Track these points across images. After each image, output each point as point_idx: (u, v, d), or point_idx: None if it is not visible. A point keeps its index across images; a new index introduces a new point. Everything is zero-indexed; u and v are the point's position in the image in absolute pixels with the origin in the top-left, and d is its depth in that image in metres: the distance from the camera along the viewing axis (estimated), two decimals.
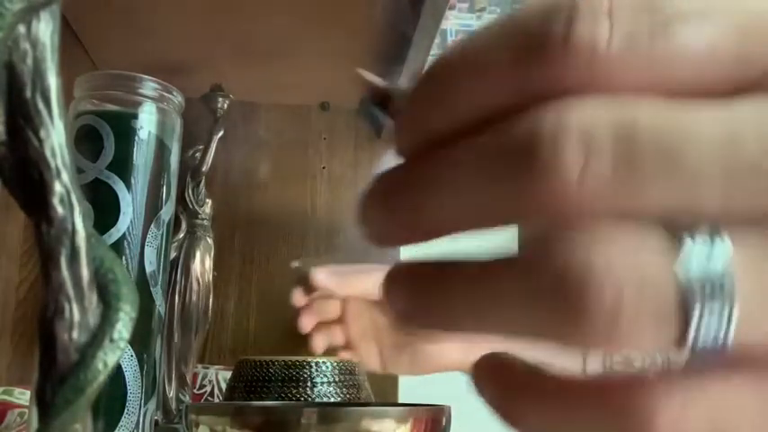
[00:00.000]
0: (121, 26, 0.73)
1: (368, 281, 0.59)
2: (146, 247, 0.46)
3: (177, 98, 0.50)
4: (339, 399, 0.59)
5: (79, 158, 0.45)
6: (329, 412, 0.34)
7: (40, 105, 0.16)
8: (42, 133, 0.16)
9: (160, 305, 0.48)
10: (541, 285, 0.14)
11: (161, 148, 0.48)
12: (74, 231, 0.16)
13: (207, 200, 0.73)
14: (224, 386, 0.75)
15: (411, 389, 0.86)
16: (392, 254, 0.86)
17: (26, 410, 0.58)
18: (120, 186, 0.46)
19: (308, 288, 0.61)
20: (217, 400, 0.75)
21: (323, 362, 0.60)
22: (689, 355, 0.14)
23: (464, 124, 0.16)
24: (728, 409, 0.14)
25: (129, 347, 0.45)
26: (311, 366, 0.59)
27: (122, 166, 0.46)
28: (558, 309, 0.14)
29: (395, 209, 0.16)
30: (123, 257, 0.45)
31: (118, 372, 0.44)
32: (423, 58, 0.71)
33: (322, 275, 0.59)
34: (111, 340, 0.16)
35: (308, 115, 0.93)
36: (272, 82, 0.85)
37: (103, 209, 0.45)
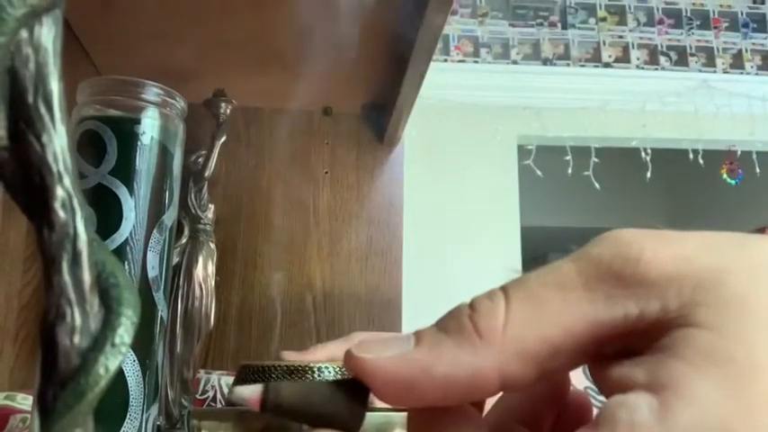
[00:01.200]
0: (124, 31, 0.73)
1: (333, 349, 0.61)
2: (148, 252, 0.46)
3: (180, 103, 0.50)
4: None
5: (82, 163, 0.45)
6: None
7: (42, 110, 0.16)
8: (44, 138, 0.16)
9: (162, 310, 0.48)
10: None
11: (164, 154, 0.48)
12: (75, 236, 0.16)
13: (209, 205, 0.72)
14: (226, 391, 0.75)
15: None
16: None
17: (28, 415, 0.58)
18: (122, 191, 0.46)
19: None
20: (219, 406, 0.75)
21: (325, 367, 0.60)
22: None
23: None
24: None
25: (132, 352, 0.45)
26: (313, 372, 0.59)
27: (125, 172, 0.46)
28: None
29: None
30: (126, 262, 0.45)
31: (120, 377, 0.44)
32: (425, 63, 0.71)
33: (287, 352, 0.61)
34: (113, 345, 0.16)
35: (311, 120, 0.93)
36: (275, 87, 0.86)
37: (106, 214, 0.45)
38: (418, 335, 0.20)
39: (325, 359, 0.58)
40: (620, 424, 0.16)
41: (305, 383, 0.20)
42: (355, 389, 0.20)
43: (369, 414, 0.22)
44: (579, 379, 0.24)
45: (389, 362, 0.19)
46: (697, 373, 0.16)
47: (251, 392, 0.20)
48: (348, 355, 0.20)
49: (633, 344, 0.18)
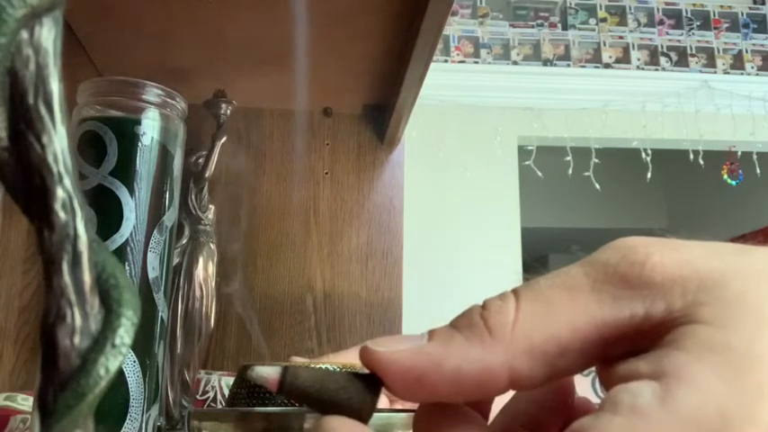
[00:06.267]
0: (125, 32, 0.73)
1: (344, 358, 0.61)
2: (149, 252, 0.46)
3: (180, 104, 0.50)
4: None
5: (82, 164, 0.45)
6: None
7: (43, 111, 0.16)
8: (44, 139, 0.16)
9: (163, 311, 0.48)
10: None
11: (164, 154, 0.48)
12: (76, 237, 0.16)
13: (210, 206, 0.72)
14: (227, 392, 0.75)
15: None
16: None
17: (29, 416, 0.58)
18: (123, 192, 0.46)
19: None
20: (219, 406, 0.75)
21: (326, 366, 0.60)
22: None
23: None
24: None
25: (132, 353, 0.45)
26: None
27: (125, 172, 0.46)
28: None
29: None
30: (126, 263, 0.45)
31: (121, 377, 0.44)
32: (425, 64, 0.71)
33: (295, 358, 0.62)
34: (113, 346, 0.16)
35: (311, 121, 0.93)
36: (275, 88, 0.86)
37: (107, 214, 0.45)
38: (431, 332, 0.20)
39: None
40: (621, 406, 0.17)
41: (322, 371, 0.21)
42: (369, 382, 0.21)
43: None
44: (588, 395, 0.24)
45: (402, 355, 0.20)
46: (698, 361, 0.17)
47: (270, 373, 0.20)
48: (363, 349, 0.20)
49: (639, 345, 0.19)
